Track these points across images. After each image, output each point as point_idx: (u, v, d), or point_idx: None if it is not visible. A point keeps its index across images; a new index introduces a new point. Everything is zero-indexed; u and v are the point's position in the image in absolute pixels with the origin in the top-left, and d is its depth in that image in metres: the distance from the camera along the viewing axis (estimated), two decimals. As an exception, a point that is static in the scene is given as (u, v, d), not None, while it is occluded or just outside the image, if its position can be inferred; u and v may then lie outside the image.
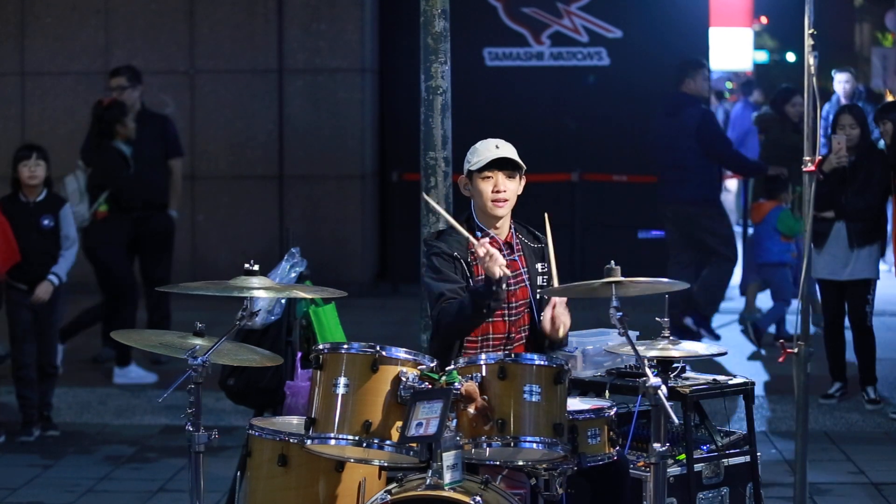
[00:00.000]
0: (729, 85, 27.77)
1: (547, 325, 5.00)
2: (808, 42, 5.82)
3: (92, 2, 12.68)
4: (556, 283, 5.06)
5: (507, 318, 5.02)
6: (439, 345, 4.93)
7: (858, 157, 8.50)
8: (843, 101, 11.62)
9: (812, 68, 5.82)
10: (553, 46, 13.02)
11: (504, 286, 4.76)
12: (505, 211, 5.02)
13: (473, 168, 4.99)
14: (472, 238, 4.87)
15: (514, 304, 5.02)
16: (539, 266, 5.09)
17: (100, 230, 9.45)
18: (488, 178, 4.99)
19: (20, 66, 12.66)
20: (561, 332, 5.01)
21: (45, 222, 8.10)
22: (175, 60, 12.67)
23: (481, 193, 4.99)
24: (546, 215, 5.13)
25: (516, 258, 5.06)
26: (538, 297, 5.05)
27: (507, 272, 4.76)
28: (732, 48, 24.17)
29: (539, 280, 5.07)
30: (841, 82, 11.95)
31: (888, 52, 22.75)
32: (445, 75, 6.29)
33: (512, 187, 5.00)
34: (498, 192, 4.97)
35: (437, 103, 6.28)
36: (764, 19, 37.59)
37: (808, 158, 5.96)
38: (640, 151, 12.76)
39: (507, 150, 5.01)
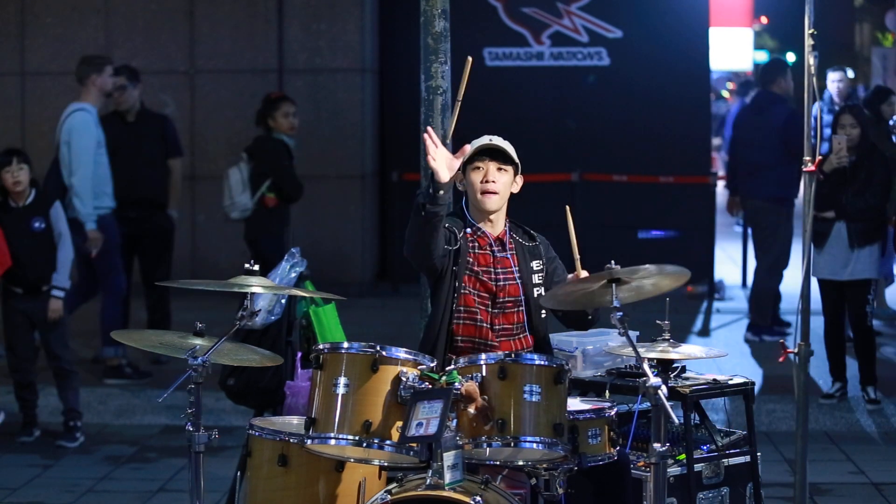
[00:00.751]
0: (729, 85, 27.81)
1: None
2: (808, 42, 5.82)
3: (92, 2, 12.68)
4: (580, 270, 5.02)
5: (490, 310, 4.99)
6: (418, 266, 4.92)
7: (859, 157, 8.49)
8: (836, 100, 11.64)
9: (812, 68, 5.82)
10: (553, 46, 13.02)
11: (444, 192, 4.63)
12: (494, 204, 4.99)
13: (465, 159, 4.96)
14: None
15: (500, 299, 5.00)
16: (535, 264, 5.08)
17: (262, 220, 9.65)
18: (478, 168, 4.98)
19: (20, 66, 12.66)
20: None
21: (36, 224, 8.05)
22: (175, 60, 12.67)
23: (472, 184, 4.98)
24: (567, 208, 5.11)
25: (508, 256, 5.05)
26: (536, 295, 5.04)
27: (446, 176, 4.62)
28: (732, 48, 24.19)
29: (535, 279, 5.06)
30: (834, 81, 11.96)
31: (888, 52, 22.78)
32: (445, 75, 6.29)
33: (503, 180, 4.98)
34: (487, 181, 4.95)
35: (437, 103, 6.28)
36: (764, 19, 37.61)
37: (807, 158, 5.96)
38: (641, 151, 12.80)
39: (500, 142, 5.01)
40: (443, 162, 4.65)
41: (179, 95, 12.61)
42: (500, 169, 4.97)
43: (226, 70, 12.65)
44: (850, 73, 12.60)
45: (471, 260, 4.97)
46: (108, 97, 9.57)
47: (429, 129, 4.75)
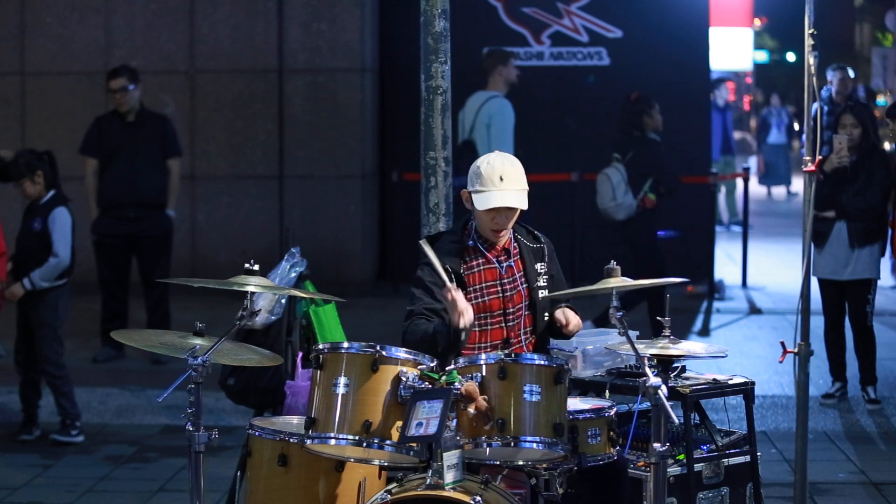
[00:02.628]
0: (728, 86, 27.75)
1: (561, 319, 5.02)
2: (808, 42, 5.82)
3: (92, 2, 12.68)
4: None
5: (504, 325, 5.02)
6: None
7: (860, 156, 8.49)
8: (835, 99, 11.64)
9: (812, 68, 5.82)
10: (553, 46, 13.01)
11: (465, 335, 4.78)
12: (504, 238, 5.01)
13: (477, 207, 4.90)
14: (447, 282, 4.77)
15: (511, 310, 5.01)
16: (539, 266, 5.08)
17: (643, 219, 9.99)
18: (488, 211, 4.92)
19: (20, 66, 12.66)
20: (570, 330, 5.05)
21: (34, 224, 8.09)
22: (175, 60, 12.67)
23: (481, 220, 4.96)
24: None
25: (512, 264, 5.05)
26: (540, 297, 5.04)
27: (468, 322, 4.74)
28: (732, 48, 24.15)
29: (539, 281, 5.05)
30: (831, 80, 11.95)
31: (888, 52, 22.80)
32: (445, 75, 6.29)
33: (513, 215, 4.96)
34: (497, 223, 4.95)
35: (437, 103, 6.28)
36: (764, 19, 37.61)
37: (807, 158, 5.96)
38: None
39: (511, 188, 4.87)
40: (469, 316, 4.71)
41: (179, 95, 12.61)
42: (510, 209, 4.93)
43: (226, 70, 12.65)
44: (851, 73, 12.58)
45: (474, 286, 4.98)
46: (510, 86, 10.07)
47: (449, 289, 4.74)
